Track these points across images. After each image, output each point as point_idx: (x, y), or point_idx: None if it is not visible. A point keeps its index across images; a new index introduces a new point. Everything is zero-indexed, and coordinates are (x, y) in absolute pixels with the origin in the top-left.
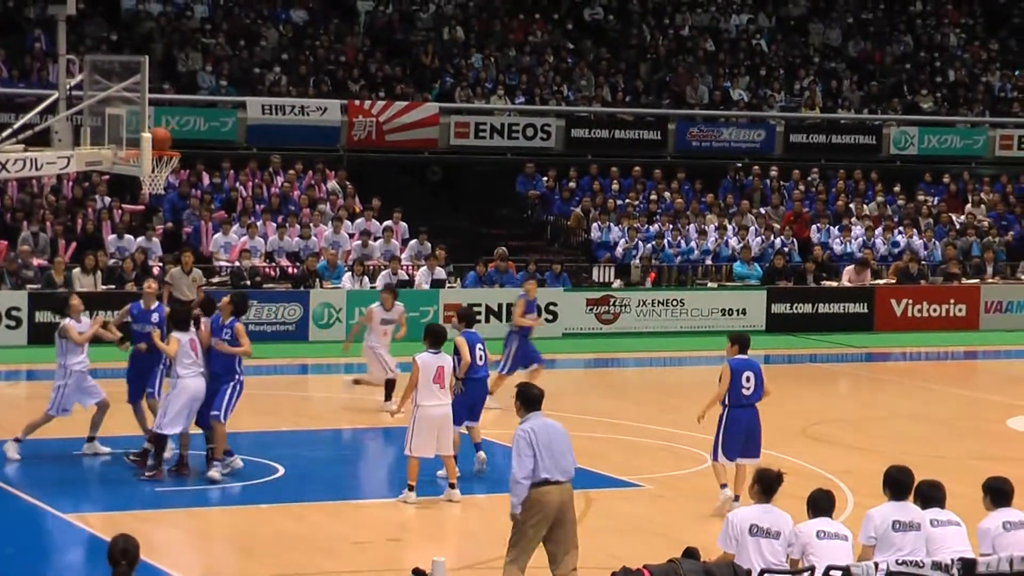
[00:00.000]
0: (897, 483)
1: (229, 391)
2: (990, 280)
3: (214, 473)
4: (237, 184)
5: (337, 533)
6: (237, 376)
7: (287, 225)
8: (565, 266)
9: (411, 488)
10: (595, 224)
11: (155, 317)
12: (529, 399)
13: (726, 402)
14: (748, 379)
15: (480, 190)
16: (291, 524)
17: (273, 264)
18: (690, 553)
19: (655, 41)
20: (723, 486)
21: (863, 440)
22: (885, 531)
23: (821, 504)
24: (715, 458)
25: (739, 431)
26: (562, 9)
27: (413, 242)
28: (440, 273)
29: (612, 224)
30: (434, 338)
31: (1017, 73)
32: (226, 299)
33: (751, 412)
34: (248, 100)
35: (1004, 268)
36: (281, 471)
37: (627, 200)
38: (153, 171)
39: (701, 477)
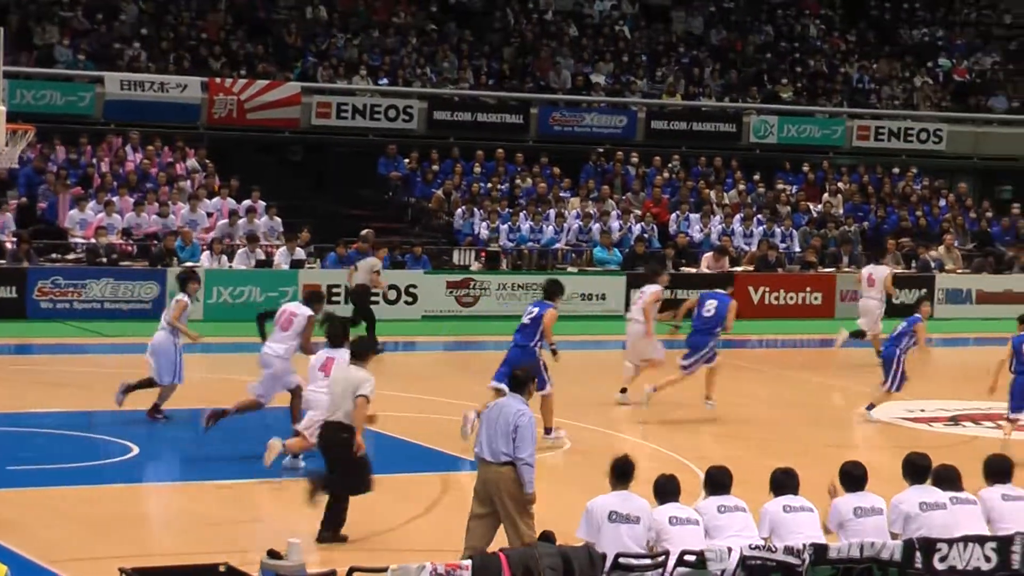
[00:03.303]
0: (714, 481)
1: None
2: (846, 269)
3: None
4: (94, 160)
5: (192, 513)
6: None
7: (145, 203)
8: (426, 248)
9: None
10: (458, 211)
11: None
12: (510, 380)
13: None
14: None
15: (341, 171)
16: (145, 504)
17: (130, 241)
18: (546, 537)
19: (519, 25)
20: None
21: (719, 426)
22: (711, 517)
23: (667, 488)
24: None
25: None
26: None
27: (264, 218)
28: (300, 253)
29: (475, 209)
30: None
31: (874, 65)
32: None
33: None
34: (106, 75)
35: (860, 257)
36: (136, 450)
37: (489, 184)
38: (7, 145)
39: (559, 458)
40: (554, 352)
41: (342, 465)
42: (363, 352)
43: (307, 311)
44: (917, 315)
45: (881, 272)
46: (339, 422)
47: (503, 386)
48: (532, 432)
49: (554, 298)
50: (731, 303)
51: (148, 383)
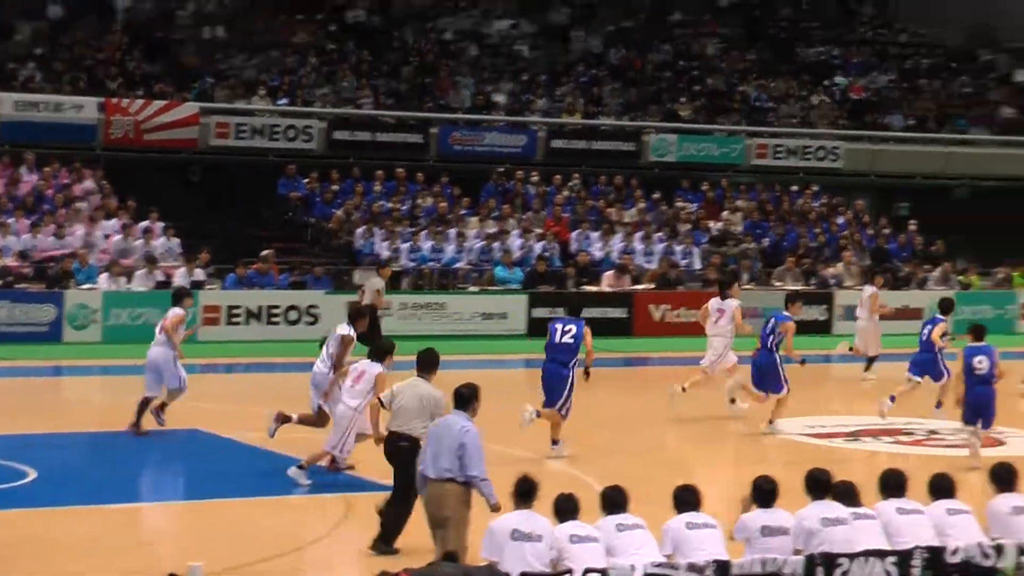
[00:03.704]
0: (610, 500)
1: None
2: (746, 286)
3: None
4: None
5: (91, 537)
6: None
7: (41, 224)
8: (326, 269)
9: None
10: (358, 231)
11: None
12: (454, 396)
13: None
14: (980, 362)
15: (241, 191)
16: (43, 529)
17: (27, 264)
18: (450, 556)
19: (418, 45)
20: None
21: (623, 444)
22: (611, 535)
23: (566, 507)
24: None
25: (971, 403)
26: (324, 10)
27: (162, 239)
28: (199, 274)
29: (376, 228)
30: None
31: (772, 84)
32: None
33: (984, 388)
34: (0, 96)
35: (760, 274)
36: (33, 475)
37: (389, 204)
38: None
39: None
40: (587, 373)
41: (402, 475)
42: (428, 364)
43: (344, 330)
44: (940, 316)
45: (865, 292)
46: (401, 432)
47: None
48: (479, 448)
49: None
50: (786, 323)
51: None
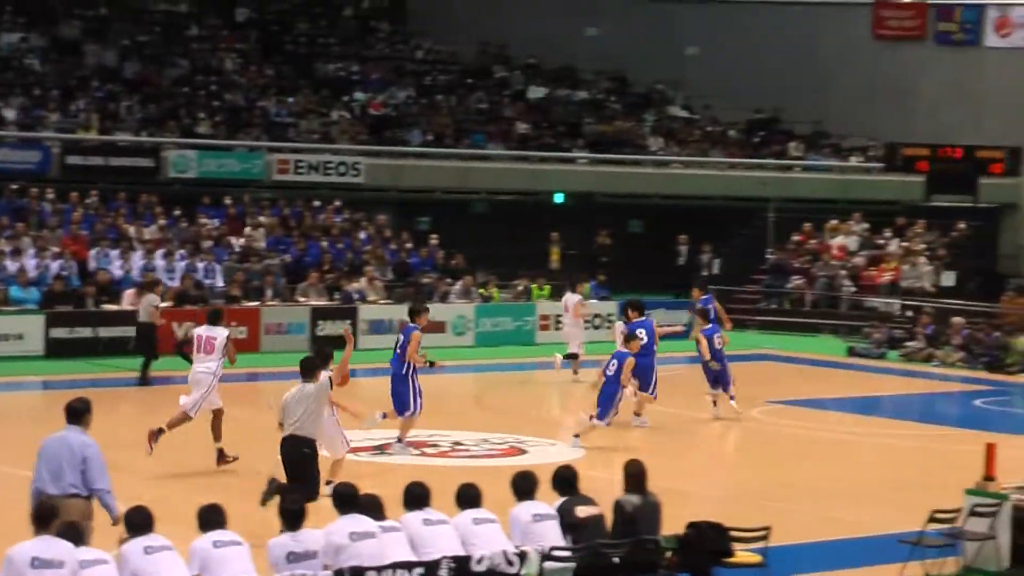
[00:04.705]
0: (134, 522)
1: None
2: (270, 302)
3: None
4: None
5: None
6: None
7: None
8: None
9: None
10: None
11: None
12: (66, 411)
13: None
14: (612, 365)
15: None
16: None
17: None
18: None
19: None
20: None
21: (135, 464)
22: (137, 559)
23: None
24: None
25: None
26: None
27: None
28: None
29: None
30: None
31: (292, 100)
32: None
33: (614, 387)
34: None
35: (283, 290)
36: None
37: None
38: None
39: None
40: (431, 363)
41: (302, 476)
42: (310, 370)
43: (224, 331)
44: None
45: (570, 299)
46: (299, 436)
47: None
48: (102, 461)
49: (415, 318)
50: (653, 324)
51: None
